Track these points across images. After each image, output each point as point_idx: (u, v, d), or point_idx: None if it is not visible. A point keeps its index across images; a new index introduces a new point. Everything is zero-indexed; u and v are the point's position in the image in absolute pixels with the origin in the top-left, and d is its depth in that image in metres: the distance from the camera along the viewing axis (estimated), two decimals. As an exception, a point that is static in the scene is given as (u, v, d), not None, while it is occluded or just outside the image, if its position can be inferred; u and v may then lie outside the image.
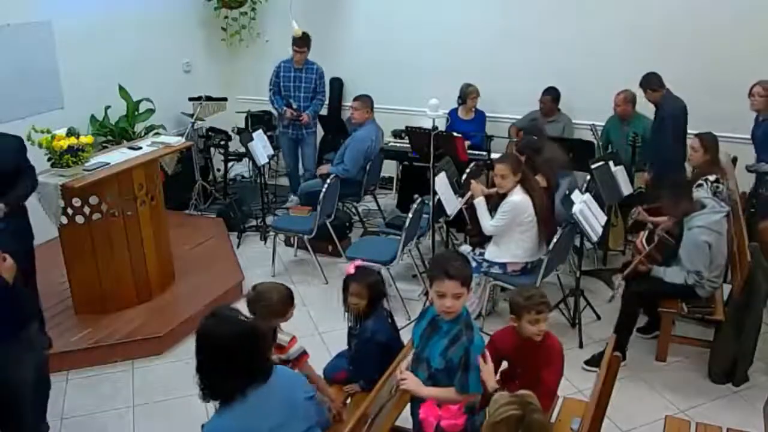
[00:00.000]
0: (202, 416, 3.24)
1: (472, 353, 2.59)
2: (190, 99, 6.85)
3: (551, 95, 6.22)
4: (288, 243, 6.05)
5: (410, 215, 4.83)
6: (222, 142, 7.13)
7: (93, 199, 4.46)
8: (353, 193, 6.16)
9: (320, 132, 7.03)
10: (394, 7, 6.95)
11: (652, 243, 4.28)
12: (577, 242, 4.87)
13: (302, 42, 6.36)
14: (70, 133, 4.42)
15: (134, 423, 3.90)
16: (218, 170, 7.38)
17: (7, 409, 3.10)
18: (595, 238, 4.48)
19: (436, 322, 2.70)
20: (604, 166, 5.02)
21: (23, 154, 4.05)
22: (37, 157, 4.26)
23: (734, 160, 5.48)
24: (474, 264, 4.53)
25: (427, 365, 2.70)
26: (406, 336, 3.29)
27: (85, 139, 4.48)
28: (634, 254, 4.52)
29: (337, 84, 7.47)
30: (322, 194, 5.39)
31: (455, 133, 5.73)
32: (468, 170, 5.46)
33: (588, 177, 5.15)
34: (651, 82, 5.43)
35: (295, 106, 6.47)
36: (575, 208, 4.32)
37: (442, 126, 5.57)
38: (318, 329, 4.74)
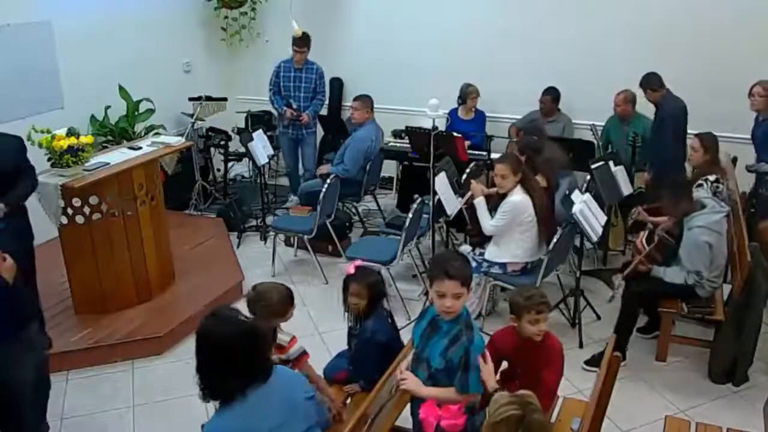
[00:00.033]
0: (202, 416, 3.24)
1: (472, 353, 2.59)
2: (190, 99, 6.85)
3: (551, 95, 6.22)
4: (288, 243, 6.05)
5: (410, 215, 4.83)
6: (222, 142, 7.13)
7: (93, 199, 4.46)
8: (353, 193, 6.16)
9: (320, 132, 7.03)
10: (394, 7, 6.95)
11: (652, 243, 4.28)
12: (577, 242, 4.87)
13: (302, 42, 6.36)
14: (70, 133, 4.42)
15: (134, 423, 3.90)
16: (218, 170, 7.38)
17: (7, 409, 3.10)
18: (595, 238, 4.48)
19: (436, 322, 2.70)
20: (604, 166, 5.02)
21: (23, 154, 4.05)
22: (37, 157, 4.26)
23: (734, 160, 5.48)
24: (474, 264, 4.53)
25: (427, 365, 2.70)
26: (406, 336, 3.29)
27: (85, 139, 4.48)
28: (634, 254, 4.52)
29: (337, 84, 7.47)
30: (322, 194, 5.39)
31: (455, 133, 5.72)
32: (468, 170, 5.46)
33: (588, 177, 5.15)
34: (651, 82, 5.43)
35: (295, 106, 6.47)
36: (575, 208, 4.32)
37: (442, 126, 5.57)
38: (318, 329, 4.74)
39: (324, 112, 7.04)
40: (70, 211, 4.45)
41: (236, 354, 2.14)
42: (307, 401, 2.34)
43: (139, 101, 6.52)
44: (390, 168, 6.95)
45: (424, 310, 2.91)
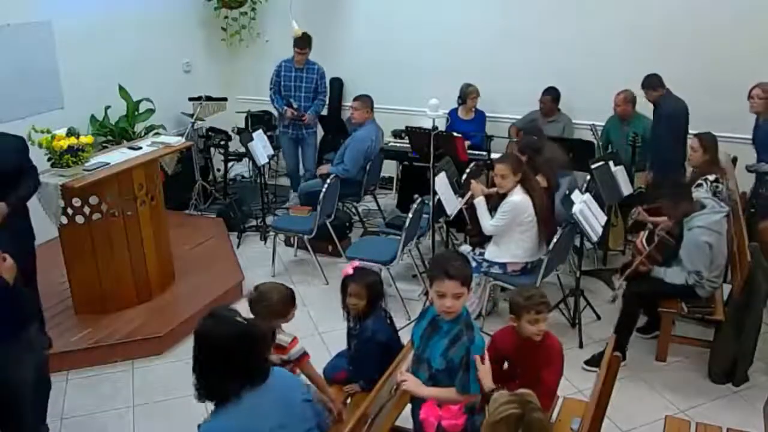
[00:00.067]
0: (201, 416, 3.21)
1: (473, 353, 2.59)
2: (190, 99, 6.85)
3: (551, 95, 6.22)
4: (288, 243, 6.05)
5: (410, 215, 4.83)
6: (222, 142, 7.13)
7: (93, 199, 4.46)
8: (353, 193, 6.16)
9: (320, 132, 7.04)
10: (394, 7, 6.95)
11: (652, 243, 4.27)
12: (577, 242, 4.87)
13: (303, 43, 6.36)
14: (70, 133, 4.42)
15: (134, 423, 3.90)
16: (218, 170, 7.38)
17: (7, 410, 3.10)
18: (595, 238, 4.48)
19: (437, 323, 2.70)
20: (604, 166, 5.02)
21: (25, 154, 4.04)
22: (37, 157, 4.26)
23: (734, 160, 5.48)
24: (474, 264, 4.53)
25: (427, 366, 2.70)
26: (406, 336, 3.29)
27: (85, 139, 4.48)
28: (634, 254, 4.52)
29: (337, 84, 7.46)
30: (322, 194, 5.39)
31: (455, 133, 5.72)
32: (468, 170, 5.46)
33: (588, 177, 5.15)
34: (651, 83, 5.44)
35: (295, 105, 6.47)
36: (575, 208, 4.32)
37: (442, 126, 5.57)
38: (318, 329, 4.74)
39: (324, 112, 7.03)
40: (70, 211, 4.45)
41: (234, 355, 2.14)
42: (304, 403, 2.34)
43: (139, 101, 6.52)
44: (390, 168, 6.95)
45: (424, 310, 2.91)
